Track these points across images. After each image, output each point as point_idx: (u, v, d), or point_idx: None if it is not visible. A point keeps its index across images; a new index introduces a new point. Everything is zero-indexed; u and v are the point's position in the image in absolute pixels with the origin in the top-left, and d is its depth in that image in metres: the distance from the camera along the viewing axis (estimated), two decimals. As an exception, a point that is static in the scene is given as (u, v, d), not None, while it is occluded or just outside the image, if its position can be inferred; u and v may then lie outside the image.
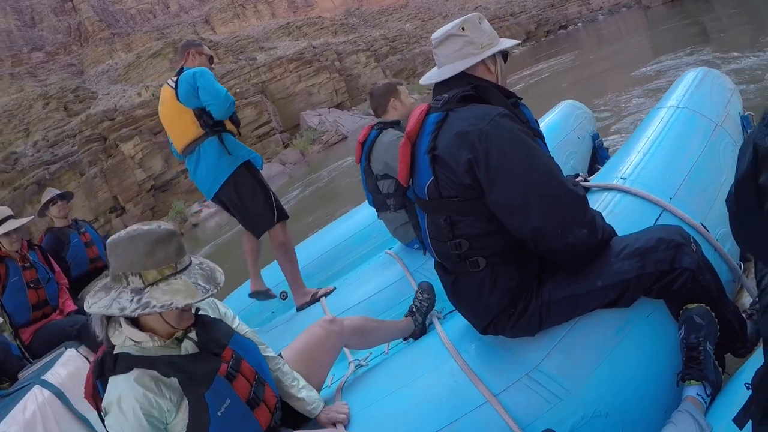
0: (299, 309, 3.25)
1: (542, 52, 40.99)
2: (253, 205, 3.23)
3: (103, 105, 36.19)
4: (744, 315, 1.88)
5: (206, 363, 1.62)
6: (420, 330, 2.42)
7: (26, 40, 59.08)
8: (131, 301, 1.44)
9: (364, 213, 3.81)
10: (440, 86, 1.88)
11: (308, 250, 3.75)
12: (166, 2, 72.42)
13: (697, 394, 1.60)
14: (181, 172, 24.98)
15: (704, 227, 2.06)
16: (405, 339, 2.43)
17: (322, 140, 26.70)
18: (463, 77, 1.82)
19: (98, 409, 1.59)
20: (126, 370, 1.50)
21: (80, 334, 3.18)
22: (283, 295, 3.45)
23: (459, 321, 2.07)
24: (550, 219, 1.62)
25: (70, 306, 3.55)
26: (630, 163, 2.41)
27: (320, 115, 30.77)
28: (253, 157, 3.33)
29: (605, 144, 3.91)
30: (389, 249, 3.28)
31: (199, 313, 1.71)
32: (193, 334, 1.64)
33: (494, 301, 1.74)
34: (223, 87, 3.21)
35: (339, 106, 34.38)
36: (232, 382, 1.64)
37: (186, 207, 23.24)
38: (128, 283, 1.48)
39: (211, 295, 1.51)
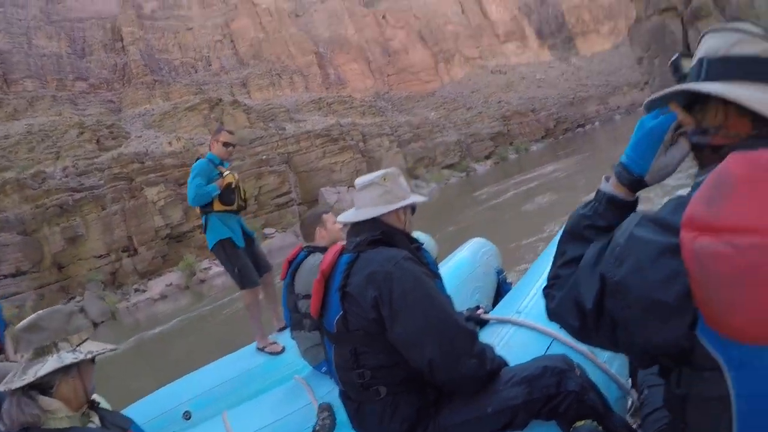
0: (259, 350, 3.85)
1: (559, 149, 41.46)
2: (229, 271, 4.32)
3: (134, 147, 37.23)
4: (634, 425, 2.02)
5: None
6: None
7: (73, 68, 61.45)
8: (71, 353, 1.65)
9: (279, 340, 3.93)
10: (355, 228, 2.09)
11: (218, 372, 3.76)
12: (208, 60, 74.93)
13: None
14: (197, 226, 24.84)
15: (591, 352, 2.17)
16: None
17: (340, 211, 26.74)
18: (375, 223, 2.04)
19: None
20: None
21: None
22: (186, 415, 3.44)
23: None
24: (443, 352, 1.78)
25: None
26: (525, 297, 2.59)
27: (339, 192, 31.58)
28: (235, 236, 4.26)
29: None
30: (298, 375, 3.34)
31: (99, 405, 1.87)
32: (96, 419, 1.77)
33: (395, 428, 1.87)
34: (197, 180, 4.21)
35: None
36: None
37: (196, 261, 23.55)
38: (59, 349, 1.65)
39: (114, 350, 1.83)
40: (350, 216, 2.12)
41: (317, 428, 2.58)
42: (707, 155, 1.08)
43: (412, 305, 1.81)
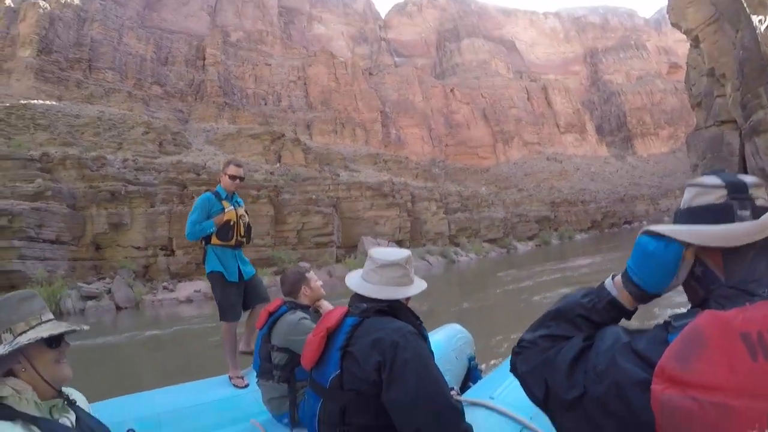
0: (231, 380, 3.96)
1: (602, 242, 41.19)
2: (215, 300, 4.52)
3: (193, 158, 38.38)
4: None
5: None
6: None
7: (153, 73, 64.55)
8: (5, 348, 1.54)
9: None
10: (361, 295, 2.19)
11: (171, 397, 3.68)
12: (279, 96, 77.46)
13: None
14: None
15: None
16: None
17: None
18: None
19: None
20: (6, 418, 1.49)
21: None
22: None
23: None
24: (431, 423, 1.85)
25: None
26: (500, 384, 2.71)
27: (379, 244, 31.08)
28: (227, 272, 4.45)
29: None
30: (255, 420, 3.29)
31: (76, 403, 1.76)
32: (72, 417, 1.67)
33: None
34: (193, 217, 4.45)
35: (399, 242, 35.04)
36: None
37: None
38: (1, 341, 1.57)
39: (73, 331, 1.65)
40: (369, 290, 2.19)
41: None
42: (693, 289, 1.17)
43: (411, 374, 1.89)
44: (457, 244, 41.03)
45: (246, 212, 4.77)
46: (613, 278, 1.23)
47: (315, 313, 3.33)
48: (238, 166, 4.76)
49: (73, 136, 36.47)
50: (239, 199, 4.81)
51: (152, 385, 3.91)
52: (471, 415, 2.32)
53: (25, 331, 1.59)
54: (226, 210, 4.52)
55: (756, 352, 0.88)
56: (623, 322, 1.22)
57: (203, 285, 21.74)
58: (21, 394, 1.55)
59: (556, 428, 1.17)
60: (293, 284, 3.39)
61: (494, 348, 9.16)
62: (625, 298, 1.20)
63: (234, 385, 3.91)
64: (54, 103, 44.27)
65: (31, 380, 1.58)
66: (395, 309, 2.14)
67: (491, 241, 45.66)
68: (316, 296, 3.43)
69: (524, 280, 19.91)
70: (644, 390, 0.95)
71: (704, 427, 0.86)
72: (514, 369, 1.28)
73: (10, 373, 1.58)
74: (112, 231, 23.92)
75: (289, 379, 3.11)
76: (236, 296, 4.50)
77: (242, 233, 4.62)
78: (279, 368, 3.13)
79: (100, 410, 3.36)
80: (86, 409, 1.82)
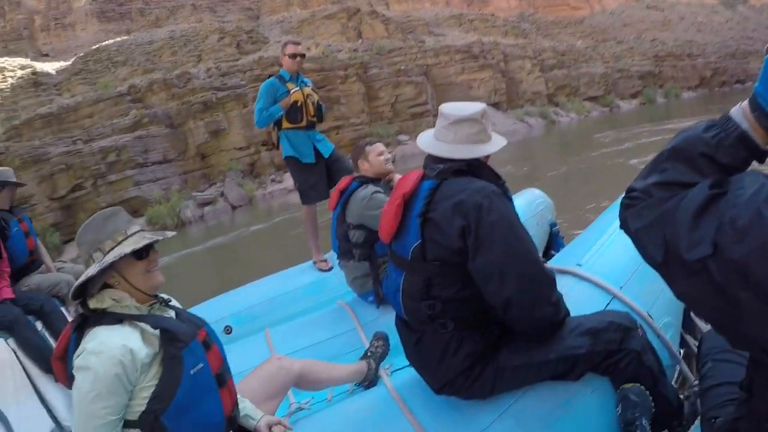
0: (315, 264, 4.04)
1: (712, 103, 37.35)
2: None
3: (273, 51, 37.37)
4: (682, 396, 2.00)
5: (186, 326, 1.70)
6: (373, 377, 2.44)
7: (210, -22, 63.32)
8: (95, 267, 1.61)
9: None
10: (434, 156, 1.97)
11: (260, 290, 3.78)
12: None
13: None
14: (333, 127, 25.86)
15: (650, 316, 2.16)
16: (358, 384, 2.44)
17: None
18: None
19: (60, 375, 1.69)
20: (113, 322, 1.59)
21: (13, 326, 3.06)
22: (227, 330, 3.45)
23: (408, 378, 2.12)
24: (522, 291, 1.73)
25: (8, 293, 3.25)
26: (587, 251, 2.55)
27: None
28: (301, 154, 4.39)
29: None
30: (342, 300, 3.32)
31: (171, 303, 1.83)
32: (172, 312, 1.76)
33: (457, 362, 1.81)
34: (259, 104, 4.37)
35: (495, 105, 33.89)
36: (206, 350, 1.72)
37: None
38: (93, 260, 1.64)
39: (157, 241, 1.68)
40: (445, 150, 1.94)
41: (368, 354, 2.51)
42: None
43: (499, 238, 1.73)
44: (556, 104, 39.23)
45: (314, 91, 4.62)
46: (741, 107, 0.98)
47: (387, 186, 3.22)
48: (296, 43, 4.60)
49: (152, 62, 36.55)
50: (305, 79, 4.64)
51: (248, 281, 4.04)
52: (559, 283, 2.13)
53: (112, 248, 1.64)
54: (291, 91, 4.38)
55: None
56: (756, 166, 0.98)
57: None
58: (120, 301, 1.63)
59: (676, 296, 1.01)
60: (353, 160, 3.32)
61: (584, 215, 8.59)
62: (758, 133, 0.96)
63: (318, 269, 3.95)
64: (124, 37, 44.24)
65: (126, 290, 1.65)
66: (475, 168, 1.91)
67: (592, 99, 43.27)
68: (379, 170, 3.26)
69: (625, 141, 18.45)
70: None
71: None
72: (624, 225, 1.10)
73: (107, 287, 1.65)
74: (212, 138, 24.57)
75: (370, 256, 3.08)
76: (316, 177, 4.44)
77: (312, 113, 4.49)
78: (358, 246, 3.09)
79: (198, 312, 3.54)
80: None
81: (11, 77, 30.50)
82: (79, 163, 20.12)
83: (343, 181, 3.25)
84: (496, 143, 1.99)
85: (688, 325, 2.52)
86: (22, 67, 32.06)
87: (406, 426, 1.88)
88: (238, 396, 1.91)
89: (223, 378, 1.75)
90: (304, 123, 4.44)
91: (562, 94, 41.93)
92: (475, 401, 1.87)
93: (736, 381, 1.44)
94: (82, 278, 1.62)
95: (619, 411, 1.80)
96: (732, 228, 0.85)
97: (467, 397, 1.88)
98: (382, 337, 2.62)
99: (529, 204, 3.91)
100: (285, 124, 4.45)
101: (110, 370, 1.49)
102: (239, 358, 2.69)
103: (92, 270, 1.60)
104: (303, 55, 4.58)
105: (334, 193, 3.26)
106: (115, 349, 1.51)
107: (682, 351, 2.26)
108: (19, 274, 3.62)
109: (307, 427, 1.99)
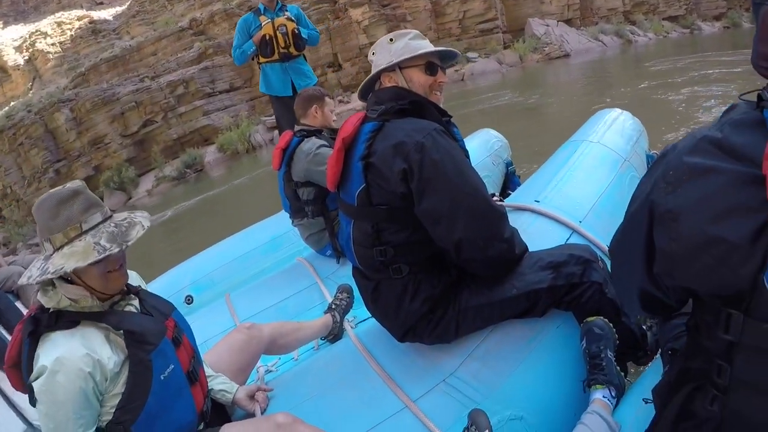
0: None
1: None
2: None
3: None
4: (645, 326, 1.99)
5: (153, 322, 1.55)
6: (338, 329, 2.41)
7: None
8: (38, 269, 1.40)
9: (277, 221, 3.83)
10: (376, 97, 1.88)
11: (218, 255, 3.72)
12: None
13: (603, 396, 1.67)
14: None
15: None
16: (324, 338, 2.40)
17: (544, 51, 25.75)
18: (401, 91, 1.83)
19: (16, 383, 1.50)
20: (70, 325, 1.40)
21: None
22: (188, 300, 3.38)
23: (373, 329, 2.08)
24: (473, 231, 1.66)
25: None
26: (544, 187, 2.50)
27: (548, 26, 29.24)
28: (274, 89, 4.41)
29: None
30: (300, 256, 3.27)
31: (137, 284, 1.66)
32: (135, 302, 1.59)
33: (415, 307, 1.76)
34: (235, 42, 4.40)
35: (568, 22, 31.87)
36: (176, 348, 1.58)
37: None
38: (44, 250, 1.44)
39: (106, 257, 1.40)
40: (382, 61, 1.86)
41: (333, 307, 2.47)
42: None
43: (444, 179, 1.63)
44: (633, 23, 35.99)
45: (291, 19, 4.47)
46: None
47: (332, 136, 3.04)
48: None
49: (212, -6, 36.78)
50: (291, 6, 4.58)
51: None
52: (516, 221, 2.15)
53: (61, 247, 1.40)
54: (262, 25, 4.36)
55: None
56: None
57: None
58: (78, 302, 1.44)
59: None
60: (305, 101, 3.09)
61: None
62: None
63: None
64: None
65: (85, 288, 1.45)
66: (419, 106, 1.80)
67: (671, 19, 39.40)
68: (325, 124, 3.10)
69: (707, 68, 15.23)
70: (739, 188, 0.79)
71: None
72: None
73: (62, 279, 1.45)
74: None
75: (322, 211, 2.98)
76: (290, 112, 4.07)
77: (284, 44, 4.40)
78: (309, 204, 2.99)
79: (162, 283, 3.56)
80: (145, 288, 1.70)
81: (69, 29, 31.15)
82: (148, 99, 20.81)
83: (283, 138, 3.08)
84: (418, 51, 1.84)
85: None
86: (79, 18, 32.39)
87: (373, 377, 1.85)
88: (210, 372, 1.83)
89: (194, 374, 1.63)
90: (276, 56, 4.40)
91: (640, 12, 38.38)
92: (440, 346, 1.84)
93: (688, 312, 1.48)
94: (24, 280, 1.42)
95: (584, 345, 1.79)
96: (664, 181, 0.92)
97: (431, 342, 1.84)
98: (346, 290, 2.57)
99: (485, 144, 3.88)
100: (261, 59, 4.46)
101: (77, 386, 1.33)
102: (202, 327, 2.63)
103: (35, 275, 1.39)
104: None
105: (275, 151, 3.08)
106: (79, 362, 1.34)
107: None
108: None
109: (278, 389, 1.95)
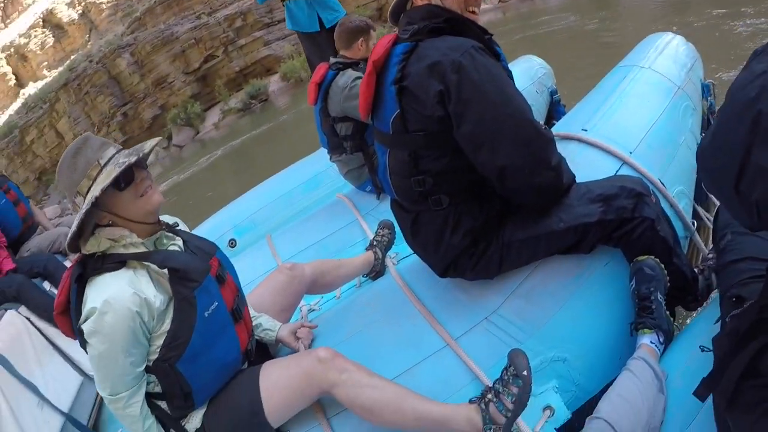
0: None
1: None
2: None
3: None
4: (696, 270, 1.86)
5: (197, 260, 1.56)
6: (380, 266, 2.37)
7: None
8: (79, 217, 1.42)
9: (317, 159, 3.79)
10: (409, 16, 1.74)
11: (259, 196, 3.70)
12: None
13: (651, 342, 1.60)
14: None
15: (662, 183, 2.03)
16: (366, 276, 2.38)
17: None
18: (436, 9, 1.67)
19: (66, 329, 1.52)
20: (116, 267, 1.41)
21: (20, 294, 3.00)
22: (232, 243, 3.38)
23: (415, 265, 2.03)
24: (518, 157, 1.54)
25: (9, 264, 3.28)
26: (592, 116, 2.34)
27: None
28: (300, 25, 4.12)
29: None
30: (340, 193, 3.21)
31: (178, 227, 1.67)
32: (179, 242, 1.60)
33: (456, 241, 1.67)
34: None
35: None
36: (220, 285, 1.59)
37: None
38: (77, 205, 1.46)
39: (129, 164, 1.42)
40: None
41: (374, 244, 2.43)
42: None
43: (485, 100, 1.50)
44: None
45: None
46: None
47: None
48: None
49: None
50: None
51: None
52: (564, 151, 1.98)
53: (90, 187, 1.41)
54: None
55: None
56: None
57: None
58: (119, 240, 1.44)
59: None
60: (350, 33, 2.94)
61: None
62: None
63: None
64: None
65: (123, 225, 1.46)
66: (455, 23, 1.63)
67: None
68: (366, 56, 2.90)
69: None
70: None
71: None
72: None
73: (100, 226, 1.47)
74: None
75: (361, 146, 2.90)
76: (322, 49, 4.02)
77: None
78: (347, 139, 2.91)
79: (205, 229, 3.63)
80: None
81: (117, -22, 31.36)
82: (207, 35, 21.42)
83: (318, 72, 2.96)
84: None
85: (701, 197, 2.36)
86: (128, -36, 32.88)
87: (414, 314, 1.82)
88: (253, 313, 1.82)
89: (239, 312, 1.63)
90: None
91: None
92: (483, 282, 1.77)
93: (761, 257, 1.39)
94: (73, 229, 1.42)
95: (633, 285, 1.70)
96: None
97: (474, 278, 1.77)
98: (387, 225, 2.52)
99: (527, 71, 3.71)
100: None
101: (126, 326, 1.35)
102: (244, 270, 2.62)
103: (77, 220, 1.40)
104: None
105: (310, 86, 2.97)
106: (127, 302, 1.35)
107: (695, 222, 2.14)
108: (18, 241, 3.69)
109: (321, 327, 1.95)
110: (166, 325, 1.45)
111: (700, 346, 1.48)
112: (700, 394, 1.20)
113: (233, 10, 21.85)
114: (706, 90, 2.76)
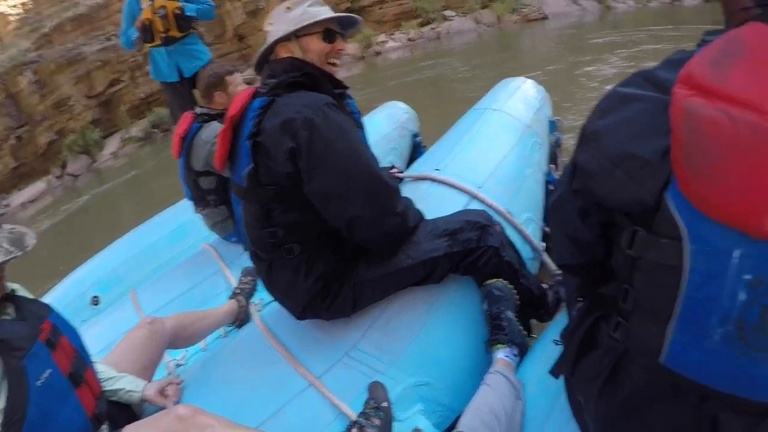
0: None
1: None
2: None
3: None
4: (545, 286, 2.03)
5: (25, 326, 1.48)
6: (244, 314, 2.36)
7: None
8: None
9: (183, 208, 3.70)
10: (270, 69, 1.78)
11: (123, 249, 3.60)
12: None
13: (506, 356, 1.71)
14: (376, 1, 25.14)
15: (509, 212, 2.19)
16: (230, 324, 2.36)
17: (523, 12, 24.86)
18: (295, 63, 1.73)
19: None
20: None
21: None
22: (95, 300, 3.24)
23: (278, 310, 2.03)
24: (366, 209, 1.63)
25: None
26: (444, 156, 2.51)
27: None
28: (162, 74, 4.18)
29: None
30: (206, 243, 3.18)
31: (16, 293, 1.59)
32: (11, 310, 1.52)
33: (309, 285, 1.72)
34: (121, 30, 4.11)
35: None
36: (52, 351, 1.50)
37: (374, 34, 23.78)
38: None
39: (14, 258, 1.39)
40: (276, 32, 1.75)
41: (237, 292, 2.43)
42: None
43: (335, 157, 1.57)
44: None
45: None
46: None
47: None
48: None
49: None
50: None
51: None
52: (416, 191, 2.20)
53: None
54: (143, 8, 3.98)
55: None
56: None
57: (351, 48, 22.06)
58: None
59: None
60: (206, 88, 2.89)
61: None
62: None
63: None
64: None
65: None
66: (313, 79, 1.69)
67: None
68: None
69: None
70: (655, 112, 0.87)
71: (733, 148, 0.76)
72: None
73: None
74: (250, 18, 23.78)
75: (225, 200, 2.83)
76: (181, 99, 4.08)
77: (162, 28, 4.01)
78: (211, 193, 2.87)
79: (62, 287, 3.41)
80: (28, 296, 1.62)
81: (30, -11, 29.42)
82: (115, 58, 20.26)
83: (182, 123, 2.89)
84: (316, 18, 1.75)
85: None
86: (42, -24, 31.02)
87: (277, 358, 1.83)
88: (113, 373, 1.75)
89: (78, 376, 1.53)
90: (158, 41, 4.06)
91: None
92: (342, 320, 1.84)
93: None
94: None
95: (485, 307, 1.82)
96: (598, 109, 1.00)
97: (330, 317, 1.83)
98: (250, 273, 2.51)
99: (392, 116, 3.85)
100: (147, 45, 4.14)
101: None
102: (108, 328, 2.52)
103: None
104: None
105: (174, 138, 2.90)
106: None
107: (544, 244, 2.32)
108: None
109: (186, 381, 1.90)
110: (2, 402, 1.35)
111: (553, 340, 1.62)
112: (554, 372, 1.33)
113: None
114: (552, 126, 3.01)
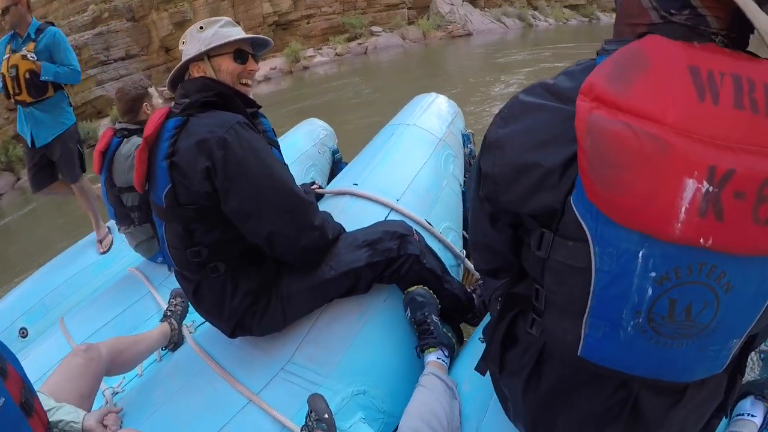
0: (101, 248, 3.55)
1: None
2: None
3: None
4: (470, 290, 2.13)
5: None
6: (177, 336, 2.35)
7: None
8: None
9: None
10: (183, 89, 1.80)
11: (48, 277, 3.53)
12: None
13: (438, 358, 1.76)
14: (305, 15, 25.06)
15: (428, 223, 2.28)
16: (165, 348, 2.35)
17: (448, 29, 25.90)
18: (208, 83, 1.76)
19: None
20: None
21: None
22: (23, 333, 3.20)
23: (211, 330, 2.06)
24: (283, 224, 1.68)
25: None
26: (362, 171, 2.59)
27: (453, 5, 28.94)
28: (26, 135, 3.75)
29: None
30: (132, 266, 3.18)
31: None
32: None
33: (237, 303, 1.76)
34: None
35: (473, 2, 31.77)
36: (4, 379, 1.42)
37: (301, 49, 23.62)
38: None
39: None
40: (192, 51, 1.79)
41: (168, 314, 2.42)
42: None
43: (248, 175, 1.61)
44: (535, 8, 36.54)
45: (27, 57, 3.53)
46: None
47: None
48: None
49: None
50: (50, 29, 3.68)
51: None
52: (336, 206, 2.27)
53: None
54: (2, 60, 3.59)
55: (704, 91, 0.77)
56: None
57: (278, 62, 22.13)
58: None
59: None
60: (133, 101, 2.87)
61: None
62: None
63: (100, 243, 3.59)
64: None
65: None
66: (225, 98, 1.72)
67: (572, 7, 39.69)
68: None
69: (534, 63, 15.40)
70: (557, 121, 0.89)
71: (637, 159, 0.78)
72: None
73: None
74: (177, 30, 22.99)
75: (149, 217, 2.76)
76: (32, 165, 3.77)
77: (12, 89, 3.57)
78: (134, 210, 2.85)
79: None
80: None
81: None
82: None
83: (103, 138, 2.84)
84: (224, 39, 1.79)
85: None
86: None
87: (215, 378, 1.86)
88: (52, 403, 1.70)
89: (28, 405, 1.47)
90: (12, 100, 3.63)
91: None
92: (274, 336, 1.88)
93: None
94: None
95: (409, 314, 1.89)
96: (499, 117, 1.02)
97: (262, 333, 1.87)
98: (179, 294, 2.49)
99: (310, 133, 3.91)
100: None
101: None
102: (39, 359, 2.47)
103: None
104: (8, 8, 3.50)
105: (95, 154, 2.83)
106: None
107: (465, 251, 2.41)
108: None
109: (126, 408, 1.89)
110: None
111: (479, 338, 1.69)
112: (480, 369, 1.37)
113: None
114: (466, 139, 3.13)
